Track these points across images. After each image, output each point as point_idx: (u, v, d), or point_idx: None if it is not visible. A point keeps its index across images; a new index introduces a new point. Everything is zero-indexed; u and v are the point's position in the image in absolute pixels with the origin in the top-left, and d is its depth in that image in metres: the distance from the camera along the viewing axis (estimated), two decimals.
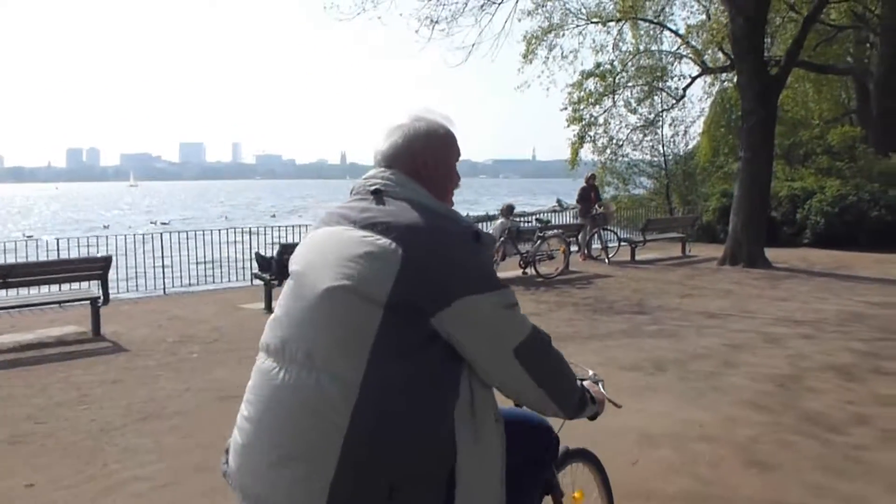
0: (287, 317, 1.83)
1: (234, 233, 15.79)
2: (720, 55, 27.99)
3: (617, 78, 28.21)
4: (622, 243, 17.07)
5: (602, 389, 2.23)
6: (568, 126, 27.69)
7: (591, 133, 28.32)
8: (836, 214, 18.52)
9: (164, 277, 13.83)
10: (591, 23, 27.91)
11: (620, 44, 28.76)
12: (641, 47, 29.00)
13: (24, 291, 10.45)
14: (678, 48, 29.00)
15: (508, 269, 14.04)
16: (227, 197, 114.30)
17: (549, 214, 21.22)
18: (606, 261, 15.67)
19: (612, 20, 27.68)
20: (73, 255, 13.79)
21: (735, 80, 17.39)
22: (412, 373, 1.68)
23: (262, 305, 10.77)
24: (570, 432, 2.58)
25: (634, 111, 28.40)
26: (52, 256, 14.23)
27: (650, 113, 28.63)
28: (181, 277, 14.03)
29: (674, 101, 29.22)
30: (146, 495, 4.43)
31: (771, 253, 16.25)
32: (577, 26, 27.57)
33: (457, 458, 1.73)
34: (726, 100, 28.98)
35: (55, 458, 5.08)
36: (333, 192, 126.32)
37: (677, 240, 18.14)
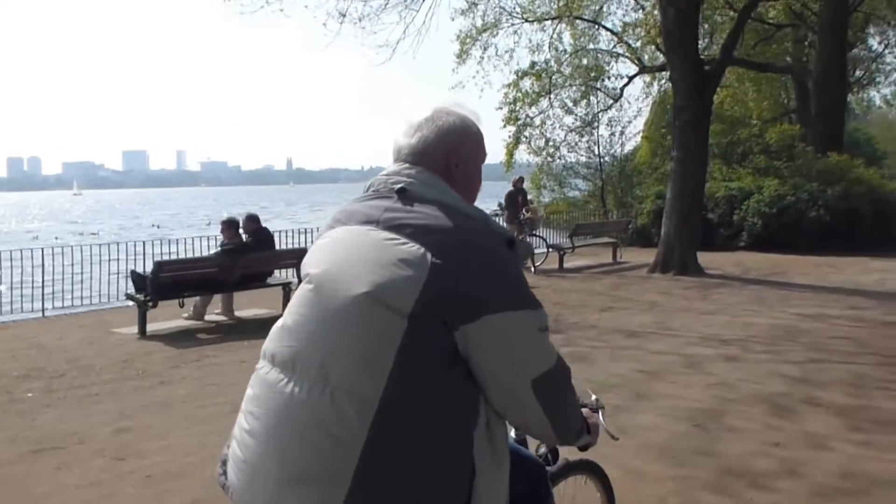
0: (299, 326, 1.66)
1: (134, 246, 14.36)
2: (658, 54, 27.49)
3: (553, 78, 27.49)
4: (550, 250, 16.06)
5: (601, 418, 2.14)
6: (504, 127, 26.93)
7: (527, 134, 27.58)
8: (773, 215, 17.82)
9: (42, 298, 12.46)
10: (527, 21, 27.24)
11: (557, 43, 28.08)
12: (578, 46, 28.28)
13: None
14: (614, 47, 28.34)
15: None
16: (166, 205, 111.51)
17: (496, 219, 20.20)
18: (532, 269, 14.65)
19: (547, 19, 27.01)
20: None
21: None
22: (434, 392, 1.54)
23: (135, 329, 9.53)
24: None
25: (570, 112, 27.60)
26: None
27: (587, 114, 27.84)
28: (57, 297, 12.67)
29: (611, 102, 28.60)
30: None
31: (706, 257, 15.47)
32: (512, 25, 26.90)
33: (474, 485, 1.57)
34: (666, 100, 28.46)
35: None
36: (275, 198, 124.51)
37: (609, 245, 17.24)
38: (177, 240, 14.90)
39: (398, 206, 1.67)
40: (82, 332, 9.88)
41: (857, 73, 40.64)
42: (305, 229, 16.57)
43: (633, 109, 28.57)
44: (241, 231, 10.51)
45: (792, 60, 28.83)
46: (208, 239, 14.14)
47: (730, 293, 11.86)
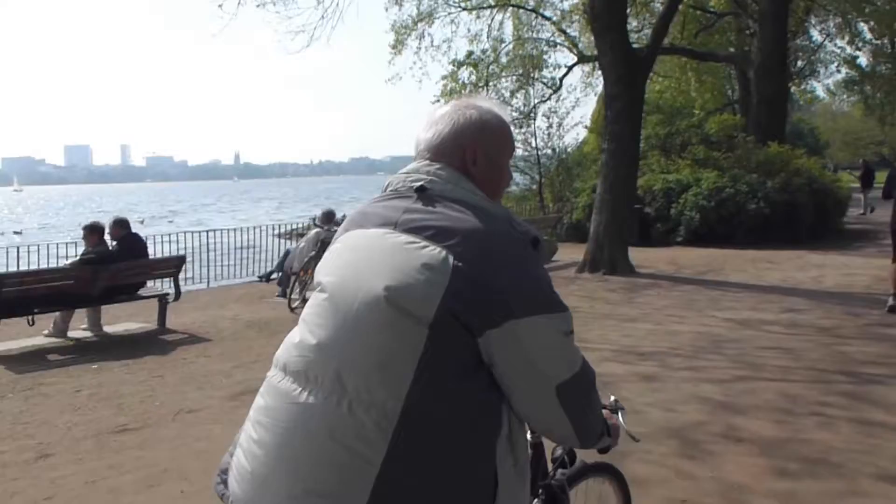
0: (314, 335, 1.57)
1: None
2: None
3: (490, 68, 26.57)
4: None
5: (621, 420, 2.08)
6: None
7: None
8: (711, 208, 17.04)
9: None
10: (464, 10, 26.33)
11: (495, 32, 27.13)
12: (515, 36, 27.37)
13: None
14: (552, 36, 27.46)
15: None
16: (106, 202, 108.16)
17: None
18: None
19: (486, 7, 26.17)
20: None
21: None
22: (457, 402, 1.47)
23: None
24: None
25: (507, 103, 26.61)
26: None
27: (524, 105, 26.91)
28: None
29: (550, 92, 27.74)
30: None
31: (641, 254, 14.64)
32: (450, 14, 26.01)
33: (497, 496, 1.50)
34: None
35: None
36: (217, 193, 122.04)
37: None
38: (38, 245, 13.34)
39: (418, 206, 1.56)
40: None
41: (800, 63, 40.57)
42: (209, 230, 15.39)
43: (571, 100, 27.51)
44: (107, 237, 9.26)
45: (735, 50, 28.28)
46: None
47: (658, 295, 10.94)
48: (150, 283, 9.91)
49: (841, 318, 8.85)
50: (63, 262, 10.50)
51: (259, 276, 12.31)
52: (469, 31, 39.40)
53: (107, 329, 9.28)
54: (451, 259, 1.45)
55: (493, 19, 26.50)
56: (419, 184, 1.60)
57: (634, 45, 24.94)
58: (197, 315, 10.31)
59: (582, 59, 26.87)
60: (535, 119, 26.86)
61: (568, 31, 27.23)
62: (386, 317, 1.47)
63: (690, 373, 6.54)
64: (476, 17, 26.41)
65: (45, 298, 8.39)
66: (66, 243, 13.30)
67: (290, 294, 10.64)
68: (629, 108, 13.15)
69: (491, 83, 26.48)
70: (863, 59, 37.65)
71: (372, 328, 1.48)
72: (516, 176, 26.26)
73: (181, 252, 12.62)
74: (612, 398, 2.21)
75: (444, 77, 26.12)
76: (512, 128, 1.81)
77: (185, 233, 15.23)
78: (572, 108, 27.32)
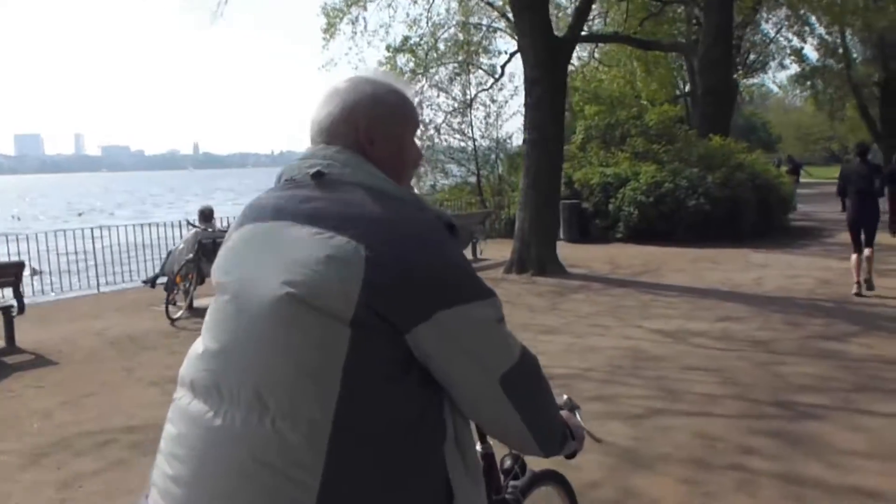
0: (219, 342, 1.41)
1: None
2: None
3: (429, 54, 25.48)
4: None
5: (579, 420, 1.84)
6: None
7: None
8: (650, 204, 16.14)
9: None
10: None
11: (435, 17, 26.06)
12: (456, 21, 26.33)
13: None
14: (494, 21, 26.45)
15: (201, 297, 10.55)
16: (52, 193, 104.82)
17: None
18: None
19: None
20: None
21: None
22: (394, 407, 1.32)
23: None
24: None
25: (444, 91, 25.55)
26: None
27: (463, 93, 25.87)
28: None
29: (491, 80, 26.75)
30: None
31: (578, 252, 13.78)
32: None
33: None
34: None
35: None
36: (169, 184, 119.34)
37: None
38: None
39: (317, 194, 1.41)
40: None
41: (752, 56, 40.20)
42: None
43: (510, 89, 26.40)
44: None
45: (686, 41, 27.57)
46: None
47: (586, 300, 9.98)
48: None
49: (780, 328, 7.96)
50: None
51: (143, 280, 11.04)
52: (408, 15, 38.22)
53: None
54: (361, 249, 1.28)
55: (432, 3, 25.46)
56: (315, 169, 1.43)
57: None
58: (59, 329, 9.08)
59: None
60: (475, 108, 25.84)
61: (510, 15, 26.26)
62: (301, 319, 1.30)
63: (600, 405, 5.53)
64: (414, 1, 25.43)
65: None
66: None
67: (169, 303, 9.44)
68: (550, 94, 12.12)
69: (431, 70, 25.43)
70: (813, 54, 37.47)
71: (288, 333, 1.31)
72: (452, 168, 25.24)
73: (72, 251, 11.37)
74: (565, 396, 1.97)
75: (381, 64, 24.97)
76: (414, 102, 1.61)
77: (81, 229, 13.89)
78: (511, 97, 26.17)
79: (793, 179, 25.51)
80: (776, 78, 75.78)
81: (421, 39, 25.31)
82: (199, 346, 1.47)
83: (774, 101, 73.18)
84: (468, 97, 25.30)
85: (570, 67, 31.24)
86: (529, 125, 12.37)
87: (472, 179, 23.40)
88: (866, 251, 9.80)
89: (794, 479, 4.15)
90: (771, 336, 7.61)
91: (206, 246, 9.73)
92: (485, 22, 26.29)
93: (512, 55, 26.77)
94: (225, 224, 11.54)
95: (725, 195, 15.81)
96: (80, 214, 48.76)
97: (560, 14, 26.67)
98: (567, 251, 15.07)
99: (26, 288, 9.72)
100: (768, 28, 37.54)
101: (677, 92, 35.59)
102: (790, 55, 33.87)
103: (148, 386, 6.50)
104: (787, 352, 6.98)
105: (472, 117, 24.16)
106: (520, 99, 27.53)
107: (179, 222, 12.87)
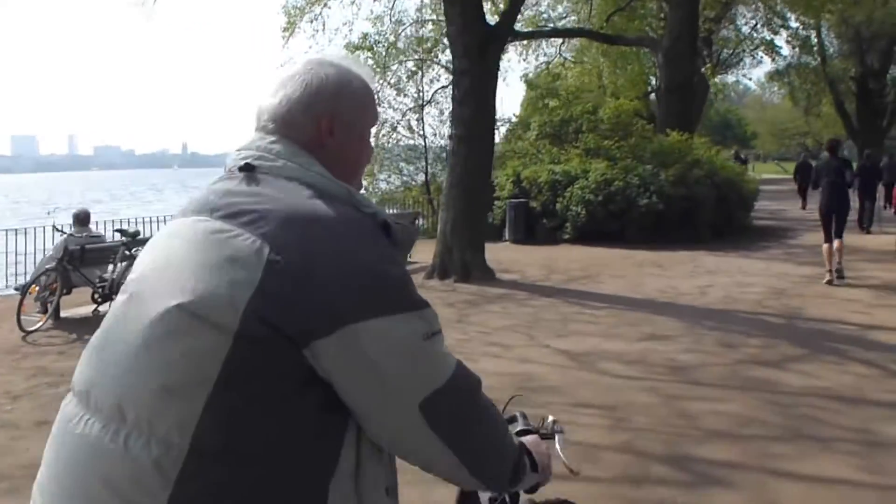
0: (102, 347, 1.27)
1: None
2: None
3: (389, 51, 24.21)
4: None
5: (558, 448, 1.60)
6: None
7: None
8: (599, 203, 14.91)
9: None
10: None
11: (397, 14, 24.75)
12: (416, 17, 25.01)
13: None
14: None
15: (70, 307, 9.22)
16: (35, 191, 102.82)
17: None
18: None
19: None
20: None
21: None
22: (274, 433, 1.13)
23: None
24: None
25: (400, 90, 24.30)
26: None
27: (418, 91, 24.60)
28: None
29: (450, 78, 25.51)
30: None
31: (518, 254, 12.63)
32: None
33: None
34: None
35: None
36: (152, 182, 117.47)
37: None
38: None
39: (241, 187, 1.26)
40: None
41: (725, 52, 39.10)
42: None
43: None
44: None
45: (657, 36, 26.38)
46: None
47: (501, 312, 8.72)
48: None
49: (709, 350, 6.74)
50: None
51: (15, 287, 9.78)
52: (372, 12, 37.07)
53: None
54: (265, 250, 1.12)
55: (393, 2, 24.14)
56: (246, 160, 1.29)
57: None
58: None
59: None
60: (432, 106, 24.58)
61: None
62: (180, 327, 1.14)
63: None
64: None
65: None
66: None
67: (20, 314, 8.13)
68: (479, 86, 10.86)
69: (391, 69, 24.20)
70: (787, 48, 36.44)
71: (163, 342, 1.15)
72: (403, 167, 24.01)
73: None
74: (550, 419, 1.68)
75: None
76: (375, 97, 1.43)
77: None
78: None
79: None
80: (752, 75, 75.09)
81: (380, 37, 24.14)
82: (90, 340, 1.31)
83: (752, 98, 72.58)
84: (424, 95, 24.08)
85: (535, 65, 30.23)
86: (456, 120, 11.10)
87: (418, 177, 22.15)
88: (836, 242, 10.00)
89: None
90: (695, 360, 6.38)
91: (74, 253, 8.55)
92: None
93: None
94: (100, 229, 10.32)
95: (680, 194, 14.62)
96: (48, 213, 47.37)
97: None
98: (506, 254, 13.88)
99: None
100: (743, 23, 36.50)
101: (649, 88, 34.52)
102: (761, 47, 32.64)
103: None
104: (708, 382, 5.75)
105: (425, 115, 22.90)
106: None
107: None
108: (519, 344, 7.11)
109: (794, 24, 33.17)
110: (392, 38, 24.26)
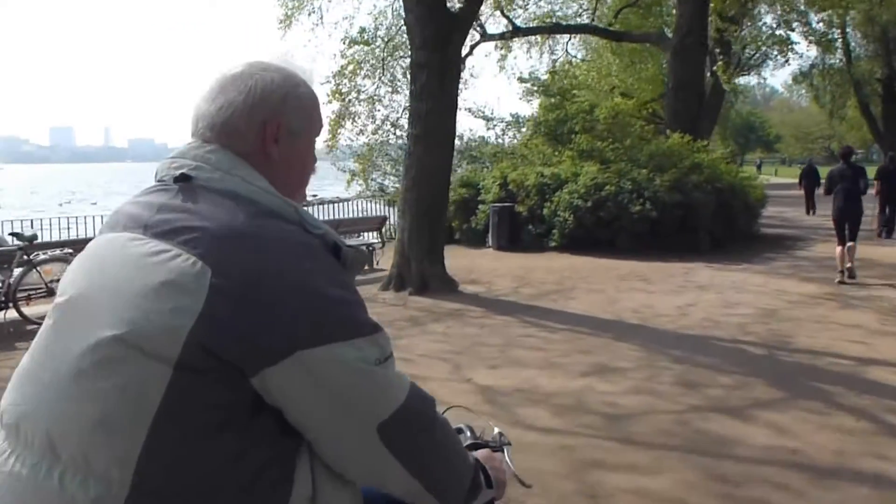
0: (29, 375, 1.17)
1: None
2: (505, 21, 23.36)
3: (388, 45, 23.19)
4: None
5: (508, 460, 1.52)
6: (329, 101, 22.72)
7: (355, 110, 23.31)
8: (588, 209, 13.66)
9: None
10: None
11: (398, 9, 23.64)
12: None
13: None
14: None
15: None
16: (65, 182, 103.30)
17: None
18: None
19: None
20: None
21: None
22: (221, 463, 1.06)
23: None
24: None
25: (396, 89, 23.27)
26: None
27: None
28: None
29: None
30: None
31: (493, 263, 11.68)
32: None
33: None
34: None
35: None
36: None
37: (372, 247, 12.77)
38: None
39: (176, 202, 1.16)
40: None
41: (747, 53, 37.54)
42: None
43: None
44: None
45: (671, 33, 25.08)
46: None
47: (442, 333, 7.60)
48: None
49: (663, 391, 5.55)
50: None
51: None
52: (375, 6, 36.31)
53: None
54: (207, 274, 1.05)
55: None
56: (181, 170, 1.20)
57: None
58: None
59: (485, 37, 23.56)
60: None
61: None
62: (113, 356, 1.05)
63: None
64: None
65: None
66: None
67: None
68: (438, 80, 9.70)
69: (388, 63, 23.19)
70: (806, 48, 34.94)
71: (93, 371, 1.06)
72: (388, 167, 23.03)
73: None
74: (496, 430, 1.60)
75: (342, 54, 22.80)
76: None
77: None
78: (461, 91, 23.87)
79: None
80: (778, 76, 74.17)
81: (378, 31, 23.14)
82: (19, 365, 1.21)
83: (779, 100, 70.93)
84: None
85: (544, 64, 29.04)
86: (412, 117, 9.95)
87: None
88: (849, 243, 10.06)
89: None
90: (640, 406, 5.18)
91: None
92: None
93: (473, 47, 24.44)
94: None
95: (675, 200, 13.34)
96: (66, 203, 47.37)
97: None
98: (483, 262, 12.76)
99: None
100: (762, 23, 34.94)
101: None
102: (777, 46, 31.15)
103: None
104: (645, 439, 4.56)
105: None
106: (468, 93, 25.20)
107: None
108: (438, 376, 5.94)
109: (816, 25, 31.68)
110: (393, 32, 23.24)
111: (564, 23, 25.86)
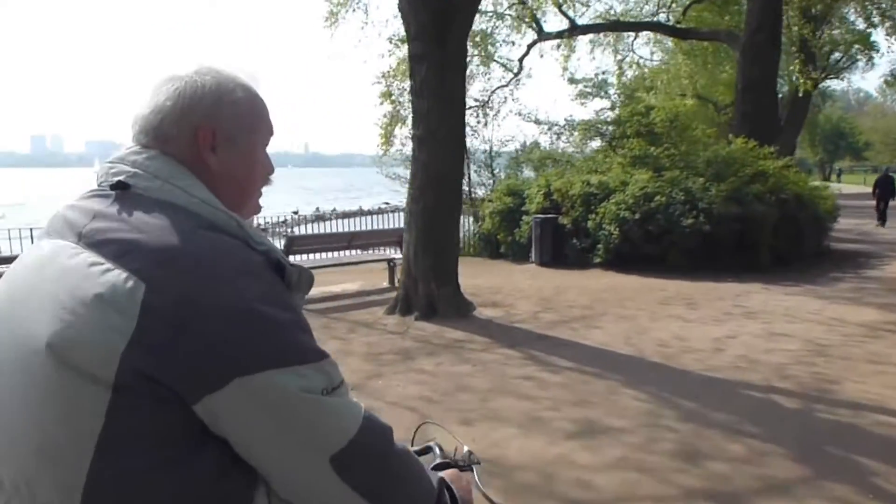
0: None
1: None
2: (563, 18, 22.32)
3: None
4: None
5: (476, 479, 1.49)
6: (381, 104, 22.14)
7: (406, 113, 22.53)
8: (636, 222, 12.53)
9: None
10: None
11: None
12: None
13: None
14: (509, 8, 23.06)
15: None
16: None
17: None
18: None
19: None
20: None
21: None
22: (171, 493, 0.99)
23: None
24: None
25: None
26: None
27: (481, 92, 22.67)
28: None
29: (511, 76, 23.49)
30: None
31: (527, 282, 10.89)
32: None
33: None
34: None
35: None
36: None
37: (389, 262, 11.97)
38: None
39: (111, 210, 1.09)
40: None
41: (836, 55, 35.33)
42: None
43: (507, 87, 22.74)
44: None
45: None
46: None
47: (428, 373, 6.70)
48: None
49: (654, 464, 4.54)
50: None
51: None
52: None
53: None
54: (140, 291, 0.97)
55: None
56: (118, 177, 1.13)
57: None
58: None
59: (542, 36, 22.53)
60: (492, 109, 22.57)
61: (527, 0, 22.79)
62: (51, 377, 0.98)
63: None
64: None
65: None
66: None
67: None
68: (439, 75, 8.68)
69: None
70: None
71: (32, 394, 1.00)
72: None
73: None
74: (466, 449, 1.54)
75: (390, 53, 22.13)
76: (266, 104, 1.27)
77: None
78: (507, 97, 22.74)
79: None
80: (867, 79, 71.19)
81: None
82: None
83: (873, 105, 67.62)
84: (488, 95, 22.15)
85: (608, 66, 27.74)
86: (414, 116, 8.97)
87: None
88: None
89: None
90: (618, 489, 4.19)
91: None
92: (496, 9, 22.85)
93: (530, 47, 23.45)
94: None
95: (733, 213, 12.09)
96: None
97: None
98: (514, 280, 11.82)
99: None
100: (859, 20, 32.74)
101: None
102: (856, 44, 29.06)
103: None
104: None
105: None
106: (520, 94, 24.19)
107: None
108: (397, 432, 5.03)
109: None
110: None
111: (629, 20, 24.62)
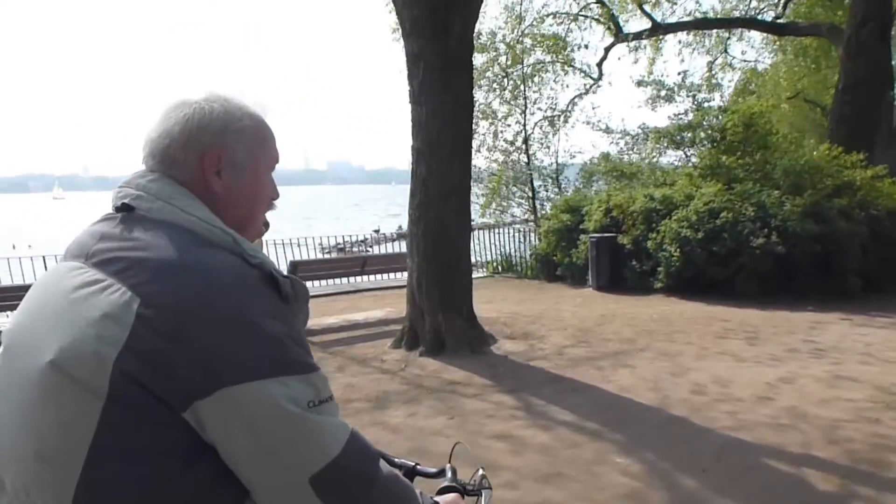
0: None
1: None
2: (642, 17, 20.96)
3: (516, 50, 21.41)
4: None
5: None
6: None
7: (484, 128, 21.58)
8: (699, 242, 11.11)
9: None
10: None
11: (518, 7, 21.77)
12: (541, 13, 22.01)
13: None
14: (581, 9, 21.85)
15: None
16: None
17: None
18: None
19: None
20: None
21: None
22: (160, 500, 1.02)
23: None
24: None
25: (515, 96, 21.32)
26: None
27: (553, 101, 21.55)
28: None
29: (590, 83, 22.29)
30: None
31: (578, 308, 9.84)
32: None
33: None
34: None
35: None
36: (360, 197, 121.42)
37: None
38: None
39: (115, 231, 1.16)
40: None
41: None
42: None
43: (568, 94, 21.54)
44: None
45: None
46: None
47: (395, 425, 5.67)
48: None
49: None
50: None
51: None
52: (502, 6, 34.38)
53: None
54: (134, 304, 1.02)
55: None
56: (123, 200, 1.20)
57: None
58: None
59: (619, 37, 21.20)
60: (569, 119, 21.41)
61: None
62: (48, 385, 1.03)
63: None
64: None
65: None
66: None
67: None
68: (440, 75, 7.50)
69: (511, 71, 21.39)
70: None
71: (31, 401, 1.05)
72: (515, 188, 20.90)
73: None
74: (480, 472, 1.59)
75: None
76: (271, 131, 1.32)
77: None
78: (568, 108, 21.43)
79: None
80: None
81: (496, 36, 21.30)
82: None
83: None
84: (568, 104, 21.03)
85: (699, 68, 26.06)
86: (414, 126, 7.80)
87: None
88: None
89: None
90: None
91: None
92: (570, 10, 21.65)
93: (608, 50, 22.18)
94: None
95: (811, 232, 10.54)
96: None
97: None
98: (559, 307, 10.67)
99: None
100: None
101: None
102: None
103: None
104: None
105: (526, 133, 19.73)
106: (592, 101, 22.94)
107: None
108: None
109: None
110: (518, 34, 21.30)
111: (720, 17, 22.92)
